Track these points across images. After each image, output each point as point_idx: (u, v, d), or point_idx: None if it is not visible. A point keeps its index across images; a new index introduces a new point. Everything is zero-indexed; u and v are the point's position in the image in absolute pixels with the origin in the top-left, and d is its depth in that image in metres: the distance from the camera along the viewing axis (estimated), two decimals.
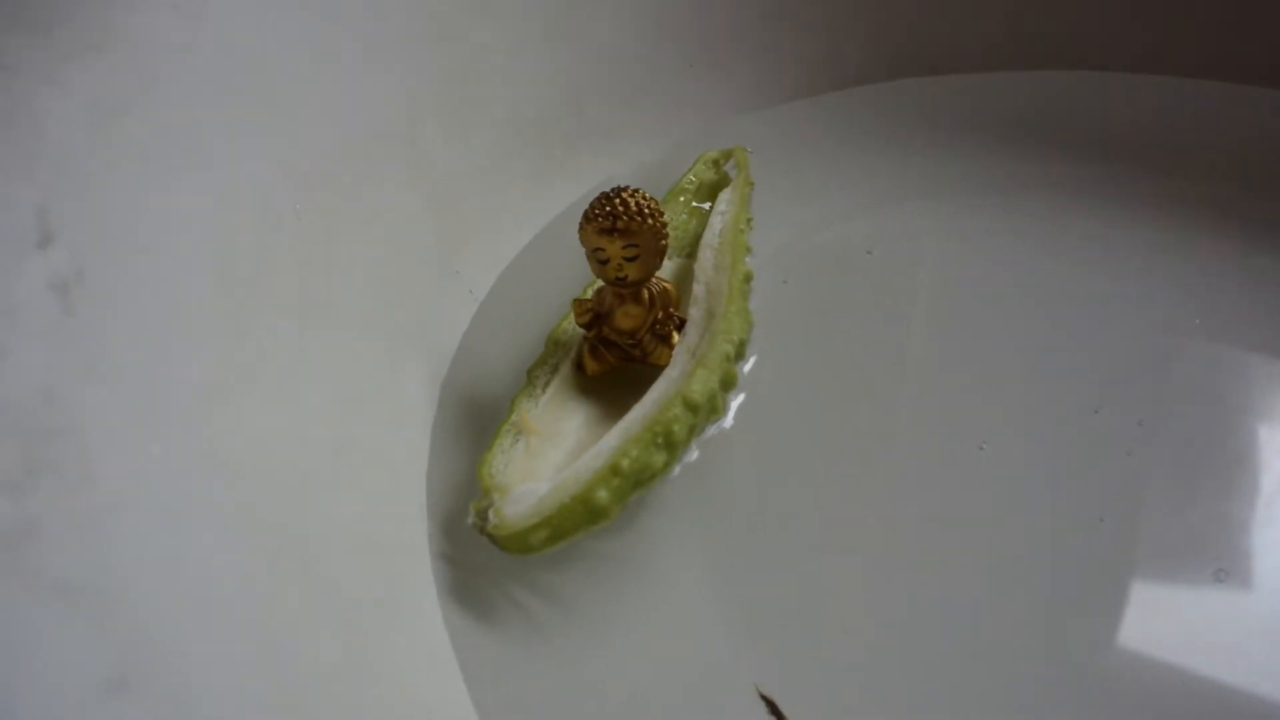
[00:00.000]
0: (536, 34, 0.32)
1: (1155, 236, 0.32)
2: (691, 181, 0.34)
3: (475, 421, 0.28)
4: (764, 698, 0.23)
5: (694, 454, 0.27)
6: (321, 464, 0.23)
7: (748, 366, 0.29)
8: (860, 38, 0.37)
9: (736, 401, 0.28)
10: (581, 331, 0.28)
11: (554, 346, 0.28)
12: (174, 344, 0.19)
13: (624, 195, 0.26)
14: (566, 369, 0.28)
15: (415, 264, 0.29)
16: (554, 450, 0.26)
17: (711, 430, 0.27)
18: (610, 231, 0.25)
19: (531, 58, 0.32)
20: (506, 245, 0.32)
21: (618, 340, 0.27)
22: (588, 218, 0.26)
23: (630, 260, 0.26)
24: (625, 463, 0.24)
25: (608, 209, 0.25)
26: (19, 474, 0.15)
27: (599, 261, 0.26)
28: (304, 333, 0.24)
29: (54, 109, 0.19)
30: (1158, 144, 0.35)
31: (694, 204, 0.33)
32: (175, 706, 0.15)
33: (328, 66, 0.27)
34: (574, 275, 0.30)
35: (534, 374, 0.28)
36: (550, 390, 0.27)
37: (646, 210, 0.26)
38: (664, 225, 0.26)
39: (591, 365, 0.28)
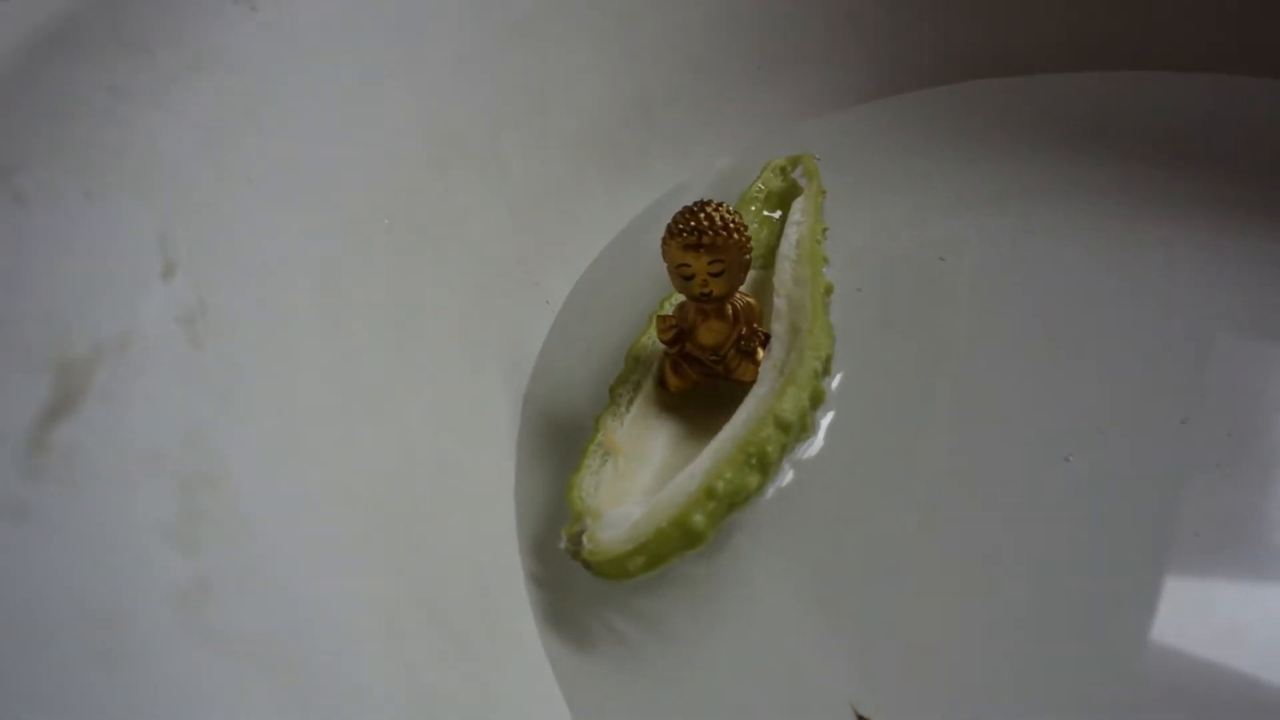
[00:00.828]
0: (606, 42, 0.32)
1: (1238, 239, 0.32)
2: (760, 190, 0.33)
3: (557, 437, 0.28)
4: (861, 718, 0.23)
5: (788, 475, 0.27)
6: (424, 487, 0.23)
7: (834, 382, 0.29)
8: (926, 40, 0.37)
9: (825, 419, 0.28)
10: (661, 347, 0.28)
11: (634, 363, 0.28)
12: (288, 372, 0.19)
13: (708, 210, 0.25)
14: (649, 386, 0.28)
15: (495, 276, 0.29)
16: (641, 470, 0.26)
17: (802, 449, 0.28)
18: (696, 247, 0.25)
19: (601, 66, 0.32)
20: (581, 255, 0.32)
21: (700, 356, 0.27)
22: (672, 233, 0.26)
23: (715, 276, 0.26)
24: (720, 485, 0.24)
25: (692, 224, 0.25)
26: (182, 526, 0.15)
27: (683, 278, 0.26)
28: (397, 349, 0.24)
29: (166, 132, 0.18)
30: (1236, 145, 0.35)
31: (764, 213, 0.33)
32: None
33: (411, 79, 0.27)
34: (649, 285, 0.30)
35: (616, 392, 0.28)
36: (634, 409, 0.27)
37: (732, 225, 0.25)
38: (748, 240, 0.26)
39: (675, 382, 0.28)
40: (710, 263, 0.25)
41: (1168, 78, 0.38)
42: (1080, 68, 0.38)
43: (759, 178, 0.34)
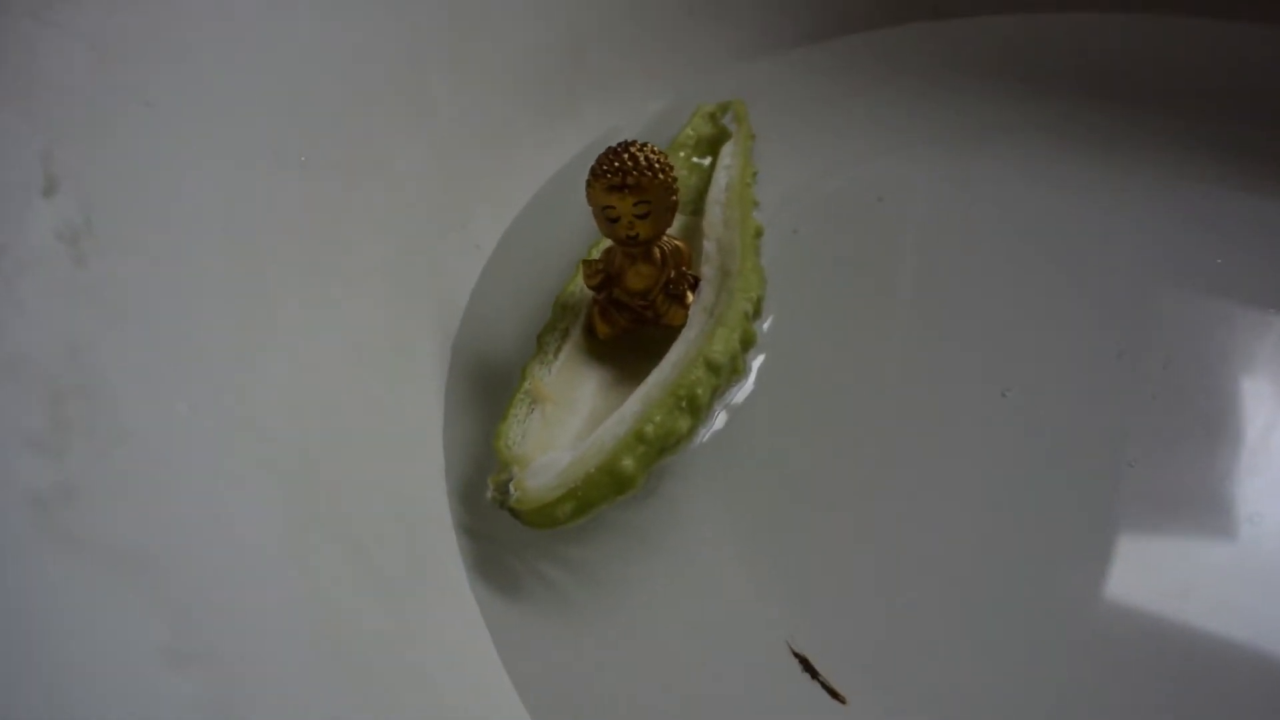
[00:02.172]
0: None
1: (1169, 178, 0.32)
2: (690, 136, 0.33)
3: (485, 385, 0.28)
4: (797, 655, 0.23)
5: (719, 418, 0.27)
6: (343, 424, 0.22)
7: (765, 324, 0.29)
8: None
9: (756, 361, 0.28)
10: (590, 293, 0.28)
11: (562, 310, 0.28)
12: (187, 297, 0.19)
13: (632, 150, 0.25)
14: (577, 333, 0.28)
15: (422, 218, 0.28)
16: (571, 418, 0.26)
17: (733, 392, 0.27)
18: (620, 188, 0.25)
19: (532, 5, 0.32)
20: (512, 200, 0.32)
21: (629, 301, 0.27)
22: (595, 174, 0.25)
23: (641, 218, 0.25)
24: (650, 429, 0.24)
25: (616, 165, 0.25)
26: (49, 433, 0.14)
27: (609, 220, 0.26)
28: (315, 285, 0.23)
29: (50, 47, 0.18)
30: (1167, 84, 0.36)
31: (694, 159, 0.33)
32: (232, 676, 0.14)
33: (333, 11, 0.26)
34: (580, 232, 0.30)
35: (544, 340, 0.27)
36: (562, 356, 0.27)
37: (657, 165, 0.25)
38: (674, 180, 0.26)
39: (603, 328, 0.27)
40: (635, 204, 0.25)
41: (1108, 19, 0.38)
42: (1019, 10, 0.38)
43: (688, 123, 0.34)
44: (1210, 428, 0.26)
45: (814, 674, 0.23)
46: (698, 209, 0.31)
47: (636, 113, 0.36)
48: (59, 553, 0.13)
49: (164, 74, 0.20)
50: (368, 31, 0.28)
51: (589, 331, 0.28)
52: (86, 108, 0.18)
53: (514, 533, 0.24)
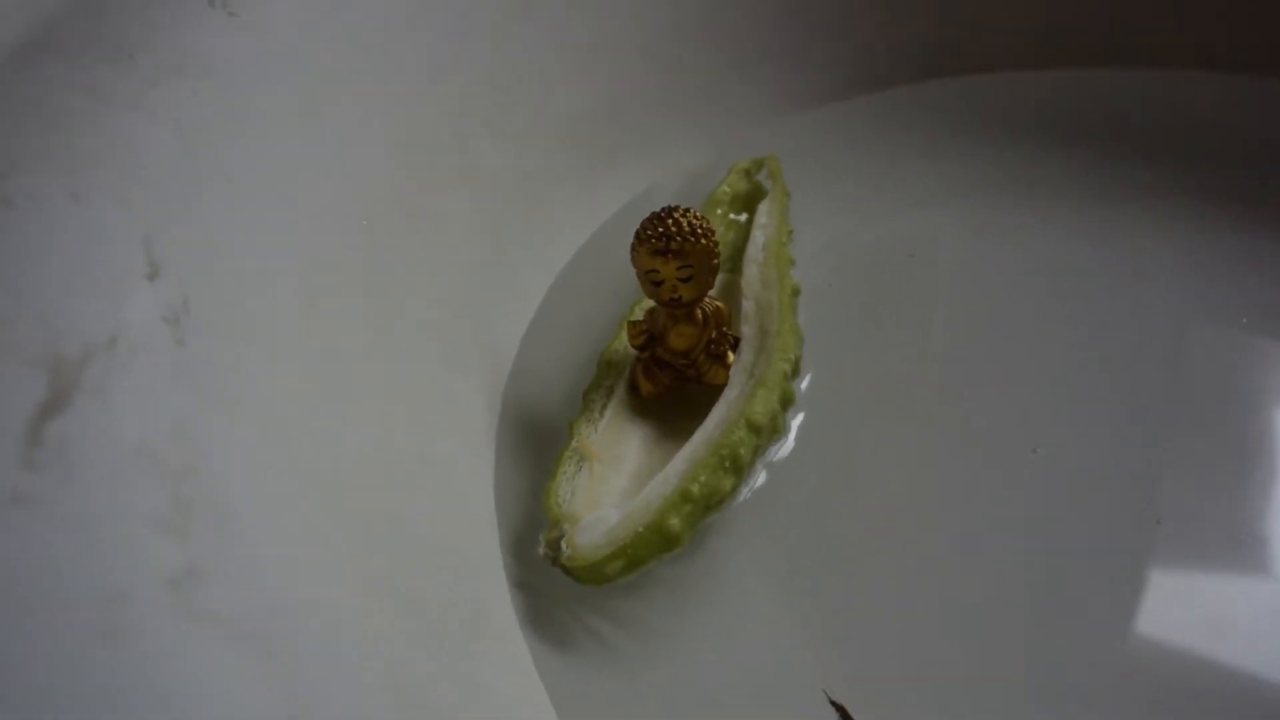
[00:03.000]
0: (576, 40, 0.33)
1: (1205, 233, 0.33)
2: (725, 193, 0.34)
3: (533, 441, 0.29)
4: (834, 703, 0.24)
5: (761, 476, 0.28)
6: (402, 481, 0.24)
7: (803, 383, 0.30)
8: (893, 40, 0.38)
9: (795, 420, 0.29)
10: (633, 351, 0.29)
11: (606, 368, 0.29)
12: (269, 367, 0.20)
13: (676, 215, 0.26)
14: (621, 391, 0.29)
15: (472, 276, 0.30)
16: (616, 475, 0.27)
17: (774, 450, 0.29)
18: (664, 253, 0.26)
19: (572, 65, 0.33)
20: (554, 258, 0.33)
21: (671, 360, 0.28)
22: (640, 239, 0.26)
23: (684, 281, 0.26)
24: (695, 488, 0.25)
25: (660, 230, 0.26)
26: (173, 515, 0.15)
27: (653, 283, 0.27)
28: (378, 346, 0.25)
29: (146, 135, 0.19)
30: (1194, 138, 0.37)
31: (730, 216, 0.34)
32: None
33: (384, 80, 0.28)
34: (623, 287, 0.32)
35: (589, 397, 0.29)
36: (608, 414, 0.28)
37: (700, 230, 0.26)
38: (716, 244, 0.27)
39: (646, 387, 0.29)
40: (679, 268, 0.26)
41: (1133, 75, 0.39)
42: (1046, 66, 0.39)
43: (724, 180, 0.35)
44: (1242, 472, 0.27)
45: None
46: (734, 267, 0.32)
47: (674, 170, 0.37)
48: (195, 631, 0.14)
49: (240, 150, 0.22)
50: (416, 95, 0.29)
51: (632, 389, 0.29)
52: (177, 189, 0.19)
53: (565, 587, 0.25)
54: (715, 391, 0.28)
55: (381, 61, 0.27)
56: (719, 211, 0.34)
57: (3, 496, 0.14)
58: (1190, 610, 0.25)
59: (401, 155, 0.28)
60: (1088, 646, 0.25)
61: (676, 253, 0.26)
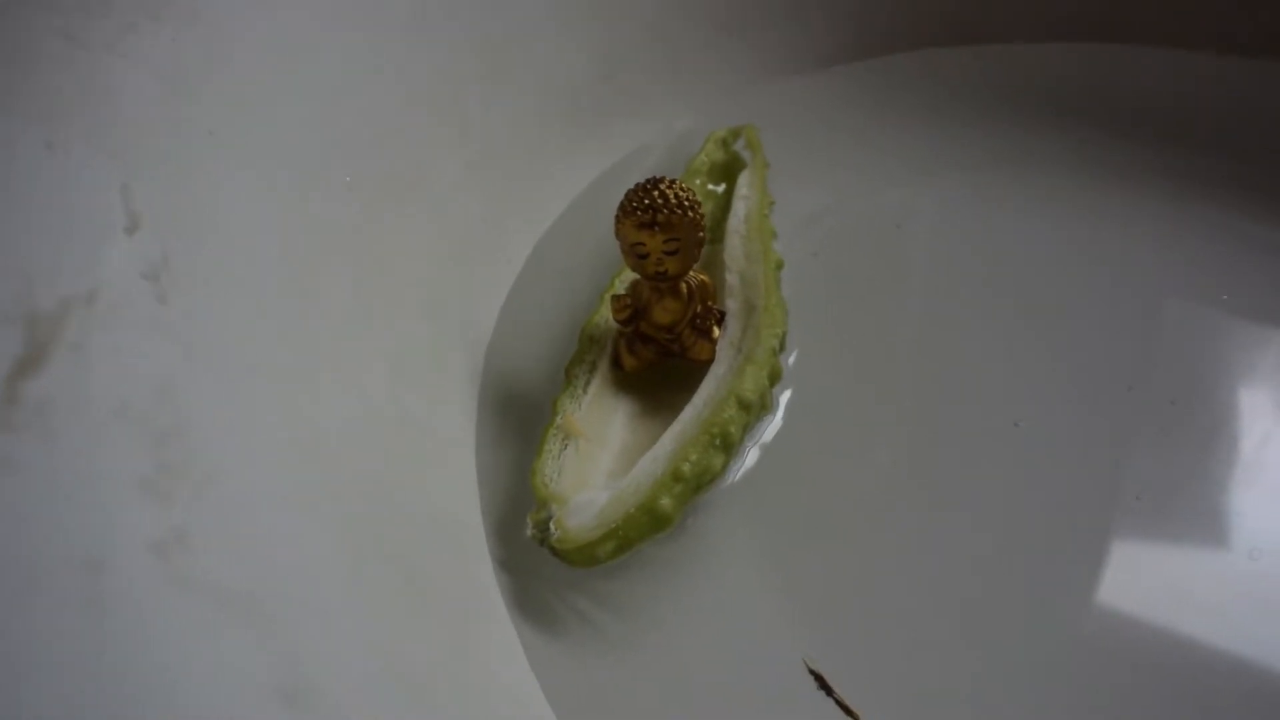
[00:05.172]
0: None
1: (1192, 212, 0.34)
2: (704, 162, 0.34)
3: (516, 410, 0.29)
4: (812, 672, 0.24)
5: (749, 453, 0.28)
6: (387, 448, 0.23)
7: (790, 359, 0.30)
8: (887, 7, 0.38)
9: (783, 396, 0.29)
10: (615, 325, 0.29)
11: (589, 342, 0.29)
12: (251, 326, 0.19)
13: (662, 187, 0.26)
14: (604, 366, 0.28)
15: (457, 235, 0.29)
16: (602, 452, 0.27)
17: (762, 427, 0.28)
18: (651, 225, 0.25)
19: (561, 24, 0.33)
20: (541, 217, 0.33)
21: (655, 335, 0.28)
22: (625, 211, 0.26)
23: (670, 254, 0.26)
24: (686, 467, 0.25)
25: (646, 202, 0.25)
26: (157, 477, 0.15)
27: (638, 256, 0.26)
28: (361, 305, 0.24)
29: (125, 81, 0.18)
30: (1183, 116, 0.37)
31: (709, 186, 0.34)
32: (337, 714, 0.15)
33: (371, 32, 0.27)
34: (605, 249, 0.31)
35: (572, 373, 0.28)
36: (591, 390, 0.28)
37: (687, 203, 0.26)
38: (702, 217, 0.26)
39: (630, 362, 0.28)
40: (665, 241, 0.26)
41: (1127, 51, 0.39)
42: (1041, 39, 0.40)
43: (701, 150, 0.34)
44: (1225, 449, 0.28)
45: (829, 691, 0.24)
46: (715, 238, 0.32)
47: (662, 131, 0.37)
48: (182, 598, 0.14)
49: (222, 102, 0.21)
50: (406, 54, 0.29)
51: (615, 365, 0.28)
52: (156, 139, 0.18)
53: (549, 567, 0.25)
54: (698, 365, 0.28)
55: (367, 12, 0.27)
56: (698, 182, 0.34)
57: None
58: (1158, 583, 0.25)
59: (387, 110, 0.27)
60: (1057, 622, 0.25)
61: (663, 225, 0.25)
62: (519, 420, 0.28)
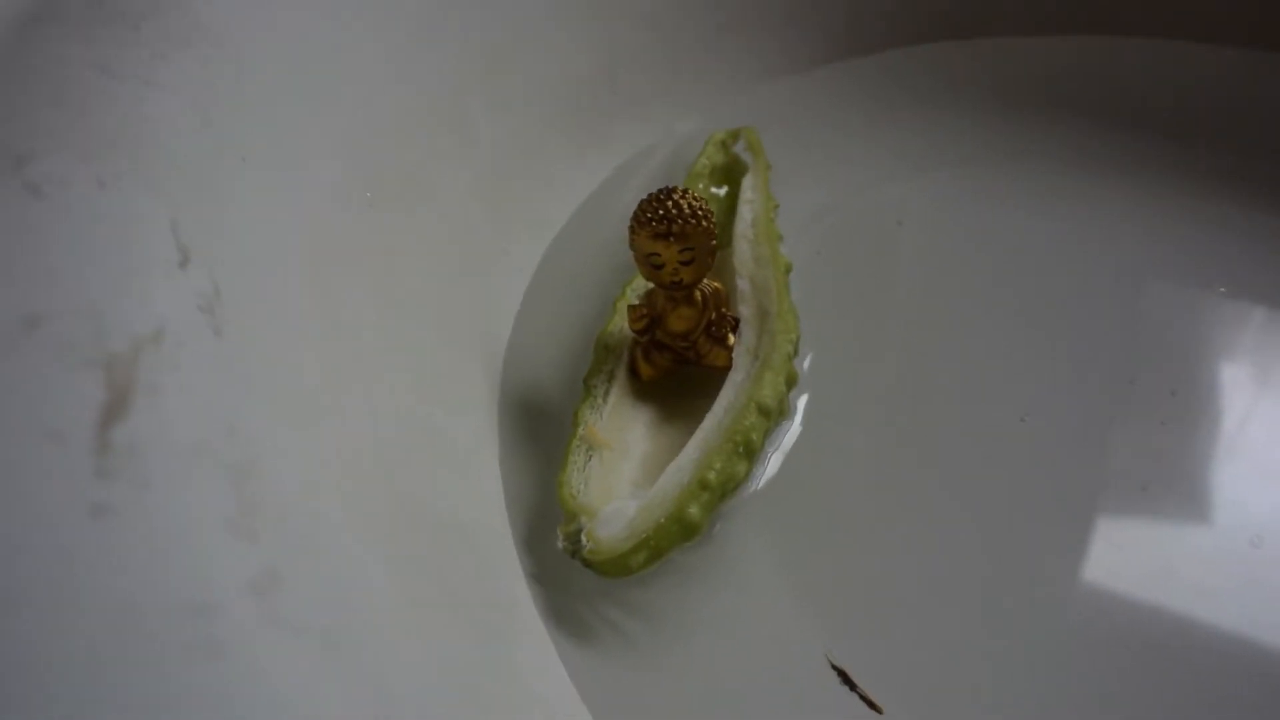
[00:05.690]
0: (567, 3, 0.33)
1: (1190, 204, 0.34)
2: (705, 165, 0.34)
3: (537, 423, 0.29)
4: (835, 667, 0.24)
5: (773, 461, 0.28)
6: (420, 472, 0.23)
7: (805, 363, 0.30)
8: (886, 4, 0.39)
9: (800, 400, 0.29)
10: (630, 334, 0.29)
11: (605, 352, 0.29)
12: (294, 352, 0.19)
13: (675, 197, 0.26)
14: (622, 375, 0.29)
15: (468, 244, 0.29)
16: (624, 462, 0.27)
17: (781, 432, 0.29)
18: (665, 236, 0.26)
19: (563, 28, 0.33)
20: (550, 222, 0.33)
21: (671, 343, 0.28)
22: (640, 223, 0.26)
23: (685, 264, 0.26)
24: (711, 475, 0.25)
25: (660, 213, 0.26)
26: (240, 517, 0.15)
27: (653, 266, 0.26)
28: (383, 318, 0.24)
29: (162, 112, 0.18)
30: (1185, 110, 0.38)
31: (711, 189, 0.34)
32: None
33: (382, 45, 0.27)
34: (614, 253, 0.32)
35: (591, 384, 0.28)
36: (610, 400, 0.28)
37: (700, 212, 0.26)
38: (715, 225, 0.27)
39: (647, 370, 0.28)
40: (680, 251, 0.26)
41: (1123, 43, 0.40)
42: (1038, 33, 0.40)
43: (701, 153, 0.35)
44: (1215, 439, 0.29)
45: (852, 686, 0.24)
46: (721, 243, 0.32)
47: (665, 133, 0.37)
48: (283, 637, 0.14)
49: (252, 125, 0.21)
50: (417, 65, 0.29)
51: (632, 373, 0.29)
52: (197, 169, 0.18)
53: (578, 578, 0.25)
54: (714, 372, 0.28)
55: (377, 26, 0.27)
56: (700, 186, 0.34)
57: (82, 509, 0.13)
58: (1168, 572, 0.26)
59: (399, 122, 0.27)
60: (1090, 614, 0.25)
61: (678, 235, 0.26)
62: (539, 431, 0.29)
